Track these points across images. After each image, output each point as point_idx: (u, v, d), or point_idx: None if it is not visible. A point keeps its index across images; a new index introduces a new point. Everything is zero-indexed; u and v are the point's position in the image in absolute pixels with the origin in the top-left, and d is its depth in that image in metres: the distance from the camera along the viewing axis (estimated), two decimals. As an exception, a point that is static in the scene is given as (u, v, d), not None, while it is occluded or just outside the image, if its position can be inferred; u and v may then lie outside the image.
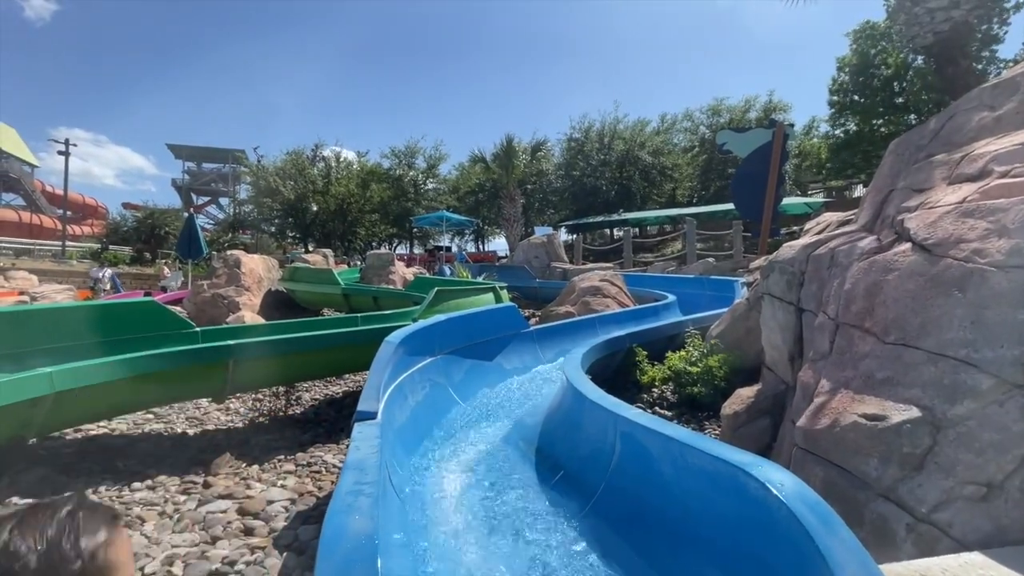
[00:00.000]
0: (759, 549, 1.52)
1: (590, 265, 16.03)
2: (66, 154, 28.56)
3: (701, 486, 1.77)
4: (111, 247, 27.41)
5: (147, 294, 11.13)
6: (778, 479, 1.47)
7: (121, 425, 4.25)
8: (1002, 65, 17.28)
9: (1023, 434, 1.60)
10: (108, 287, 14.34)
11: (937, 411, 1.77)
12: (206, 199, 52.47)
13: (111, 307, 4.69)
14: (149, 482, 3.11)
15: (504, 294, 8.05)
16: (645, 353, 4.88)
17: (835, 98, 23.69)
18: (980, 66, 16.84)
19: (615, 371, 5.01)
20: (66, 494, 0.54)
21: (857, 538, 1.35)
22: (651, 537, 1.94)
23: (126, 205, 37.59)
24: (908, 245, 2.24)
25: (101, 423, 4.18)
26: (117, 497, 2.90)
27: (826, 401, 2.18)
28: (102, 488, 3.01)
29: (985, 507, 1.61)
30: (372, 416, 2.40)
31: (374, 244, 32.34)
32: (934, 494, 1.68)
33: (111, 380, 3.33)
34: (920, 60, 18.87)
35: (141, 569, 2.14)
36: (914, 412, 1.81)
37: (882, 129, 22.19)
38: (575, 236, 25.53)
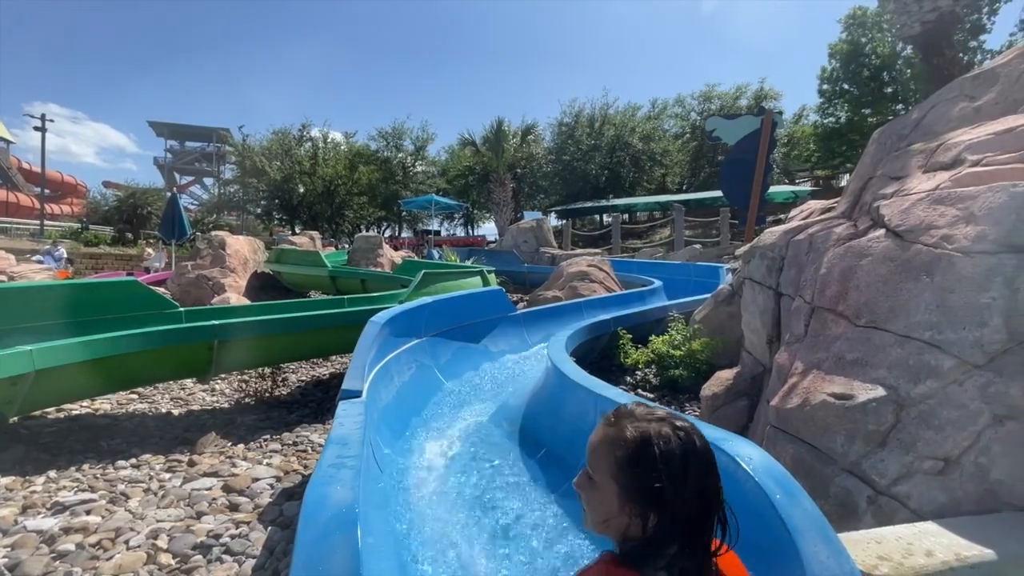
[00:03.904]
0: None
1: (579, 251, 16.09)
2: (43, 130, 27.69)
3: (675, 461, 1.83)
4: (91, 227, 26.80)
5: (129, 274, 10.96)
6: (747, 453, 1.53)
7: (104, 405, 4.23)
8: (988, 56, 17.43)
9: (979, 412, 1.67)
10: (62, 264, 13.87)
11: (901, 390, 1.84)
12: (190, 179, 51.37)
13: (92, 286, 4.63)
14: (133, 460, 3.12)
15: (492, 278, 8.07)
16: (630, 336, 4.96)
17: (825, 86, 23.76)
18: (967, 56, 16.98)
19: (600, 354, 5.08)
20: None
21: (820, 509, 1.42)
22: (627, 511, 2.01)
23: (107, 184, 36.56)
24: (882, 231, 2.30)
25: (84, 403, 4.15)
26: (101, 475, 2.91)
27: (799, 382, 2.25)
28: (85, 466, 3.02)
29: (941, 480, 1.69)
30: (357, 394, 2.42)
31: (362, 227, 32.04)
32: (895, 468, 1.76)
33: (93, 359, 3.31)
34: (909, 49, 18.94)
35: (126, 542, 2.16)
36: (880, 391, 1.88)
37: (871, 119, 22.35)
38: (564, 221, 25.55)
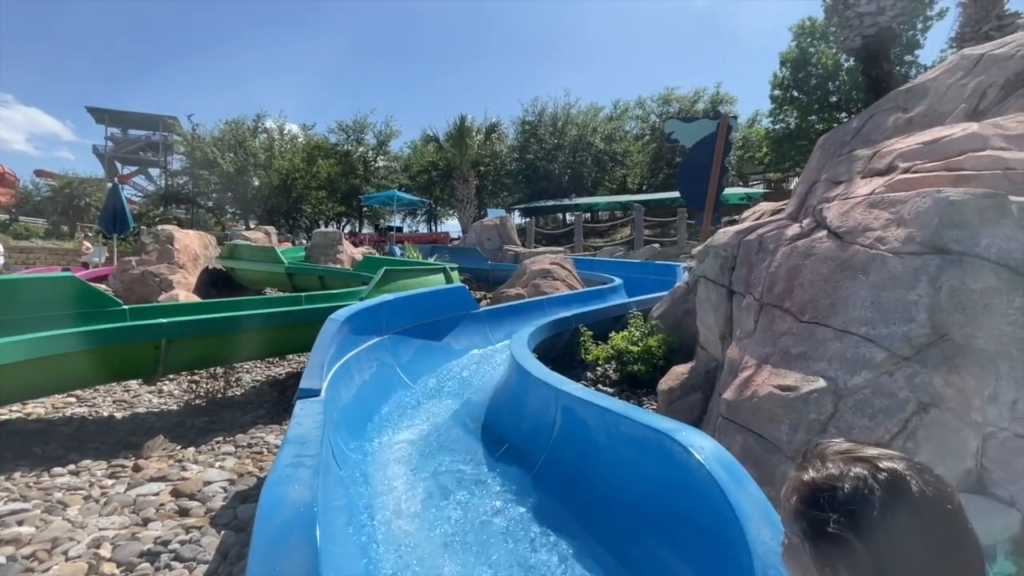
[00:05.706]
0: (682, 507, 1.66)
1: (542, 248, 16.22)
2: (-36, 112, 25.47)
3: (632, 453, 1.90)
4: (21, 218, 24.92)
5: (65, 270, 10.26)
6: (698, 443, 1.60)
7: (38, 409, 3.96)
8: (922, 69, 18.70)
9: (907, 400, 1.81)
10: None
11: (840, 382, 1.97)
12: (133, 169, 48.38)
13: (24, 282, 4.31)
14: (72, 467, 2.95)
15: (455, 275, 8.03)
16: (591, 333, 5.05)
17: (776, 92, 24.82)
18: (903, 70, 18.16)
19: (562, 351, 5.16)
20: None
21: (766, 495, 1.50)
22: (587, 502, 2.06)
23: (39, 172, 34.04)
24: (824, 232, 2.44)
25: (14, 407, 3.87)
26: (35, 483, 2.73)
27: (749, 375, 2.36)
28: (16, 474, 2.82)
29: (874, 465, 1.82)
30: (315, 393, 2.38)
31: (321, 222, 31.16)
32: (833, 455, 1.88)
33: (24, 360, 3.09)
34: (852, 61, 20.05)
35: (64, 553, 2.04)
36: (820, 383, 2.00)
37: (817, 126, 23.52)
38: (528, 219, 25.72)
